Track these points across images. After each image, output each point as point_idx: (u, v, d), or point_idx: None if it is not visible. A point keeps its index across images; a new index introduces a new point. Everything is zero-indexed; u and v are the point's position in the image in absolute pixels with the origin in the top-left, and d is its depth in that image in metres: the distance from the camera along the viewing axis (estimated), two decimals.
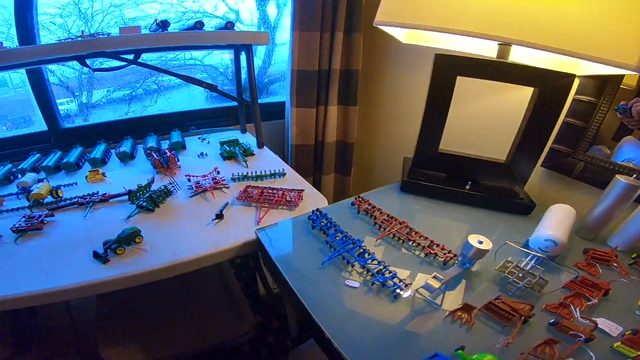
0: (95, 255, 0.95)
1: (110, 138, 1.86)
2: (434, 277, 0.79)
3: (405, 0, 1.05)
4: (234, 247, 1.01)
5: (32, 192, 1.28)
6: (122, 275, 0.90)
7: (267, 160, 1.67)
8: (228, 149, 1.65)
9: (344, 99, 2.04)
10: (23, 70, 1.74)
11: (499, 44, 1.11)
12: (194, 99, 2.33)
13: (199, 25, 1.47)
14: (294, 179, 1.45)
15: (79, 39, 1.30)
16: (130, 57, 1.44)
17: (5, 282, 0.90)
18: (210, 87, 1.67)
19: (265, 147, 1.82)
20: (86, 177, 1.48)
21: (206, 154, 1.70)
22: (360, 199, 1.16)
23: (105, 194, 1.30)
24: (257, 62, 1.88)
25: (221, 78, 2.38)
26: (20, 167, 1.57)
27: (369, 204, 1.13)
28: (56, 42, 1.31)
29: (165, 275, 0.95)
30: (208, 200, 1.26)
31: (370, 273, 0.87)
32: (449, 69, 1.12)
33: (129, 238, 0.97)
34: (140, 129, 1.99)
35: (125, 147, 1.68)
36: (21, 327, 1.49)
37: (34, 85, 1.75)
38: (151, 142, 1.74)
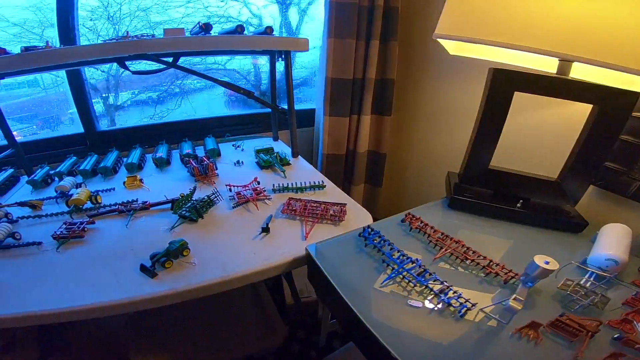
0: (143, 268, 0.92)
1: (143, 142, 1.86)
2: (515, 299, 0.76)
3: (467, 14, 1.02)
4: (284, 262, 0.98)
5: (72, 198, 1.27)
6: (173, 291, 0.87)
7: (303, 170, 1.65)
8: (265, 157, 1.62)
9: (378, 108, 2.01)
10: (59, 72, 1.75)
11: (560, 60, 1.07)
12: (214, 104, 2.33)
13: (239, 29, 1.46)
14: (333, 191, 1.42)
15: (126, 39, 1.29)
16: (169, 59, 1.44)
17: (49, 294, 0.87)
18: (248, 94, 1.65)
19: (299, 156, 1.79)
20: (124, 182, 1.47)
21: (242, 162, 1.68)
22: (412, 216, 1.13)
23: (146, 202, 1.28)
24: (279, 67, 1.86)
25: (243, 81, 2.37)
26: (57, 169, 1.57)
27: (421, 222, 1.10)
28: (105, 41, 1.30)
29: (215, 291, 0.91)
30: (251, 211, 1.23)
31: (433, 293, 0.83)
32: (506, 85, 1.08)
33: (178, 251, 0.95)
34: (175, 134, 1.98)
35: (162, 152, 1.67)
36: (48, 332, 1.48)
37: (73, 87, 1.76)
38: (187, 148, 1.73)
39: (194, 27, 1.46)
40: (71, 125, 2.00)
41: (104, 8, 1.86)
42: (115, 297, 0.85)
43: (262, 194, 1.28)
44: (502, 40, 0.96)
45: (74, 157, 1.69)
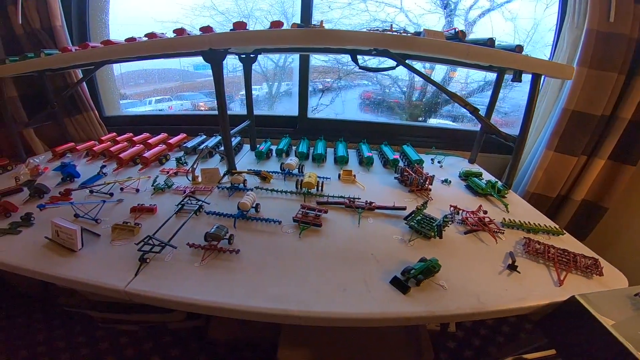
0: (395, 281, 0.85)
1: (328, 135, 1.89)
2: None
3: None
4: (537, 305, 0.85)
5: (304, 180, 1.31)
6: (429, 313, 0.79)
7: (519, 206, 1.43)
8: (481, 184, 1.47)
9: (619, 154, 1.66)
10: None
11: None
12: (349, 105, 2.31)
13: (461, 34, 1.33)
14: (568, 240, 1.19)
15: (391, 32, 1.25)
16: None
17: (298, 290, 0.82)
18: (473, 110, 1.51)
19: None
20: (339, 175, 1.50)
21: (450, 181, 1.56)
22: None
23: (371, 202, 1.26)
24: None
25: (394, 87, 2.28)
26: (279, 146, 1.69)
27: None
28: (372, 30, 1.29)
29: (464, 319, 0.83)
30: (484, 242, 1.10)
31: None
32: None
33: (432, 270, 0.87)
34: (354, 133, 1.99)
35: (365, 151, 1.68)
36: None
37: (301, 72, 1.88)
38: (367, 150, 1.71)
39: (448, 31, 1.38)
40: (242, 106, 2.27)
41: None
42: (369, 309, 0.78)
43: (492, 225, 1.15)
44: None
45: (289, 138, 1.81)
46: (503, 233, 1.15)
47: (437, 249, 1.04)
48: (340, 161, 1.62)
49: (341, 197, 1.30)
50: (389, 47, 1.18)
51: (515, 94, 2.14)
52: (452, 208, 1.26)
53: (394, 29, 1.32)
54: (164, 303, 0.81)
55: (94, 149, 1.66)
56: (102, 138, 1.81)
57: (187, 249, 0.97)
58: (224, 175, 1.41)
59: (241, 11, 2.09)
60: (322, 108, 2.26)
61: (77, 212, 1.12)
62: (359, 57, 1.35)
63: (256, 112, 1.72)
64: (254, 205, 1.17)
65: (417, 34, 1.28)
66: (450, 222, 1.14)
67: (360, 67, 1.53)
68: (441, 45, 1.21)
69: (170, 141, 1.76)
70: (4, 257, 0.93)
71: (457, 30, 1.33)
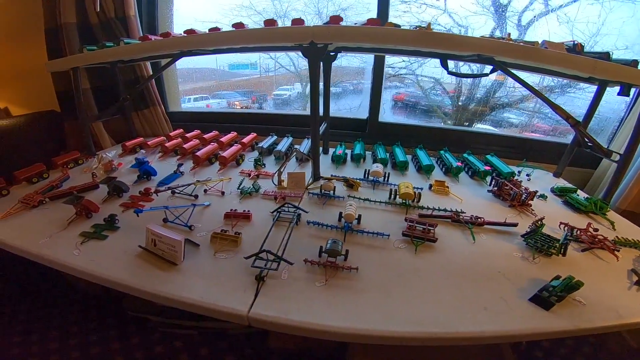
0: (537, 298, 0.80)
1: (403, 141, 1.76)
2: None
3: None
4: None
5: (402, 191, 1.19)
6: (575, 327, 0.75)
7: (621, 223, 1.28)
8: (581, 200, 1.33)
9: None
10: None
11: None
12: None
13: (579, 47, 1.20)
14: None
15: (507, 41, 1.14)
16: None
17: (425, 309, 0.76)
18: (575, 124, 1.36)
19: None
20: (430, 185, 1.37)
21: (546, 196, 1.41)
22: None
23: (478, 217, 1.13)
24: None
25: (435, 90, 2.15)
26: (355, 151, 1.57)
27: None
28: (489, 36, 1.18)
29: (606, 331, 0.78)
30: (602, 259, 1.01)
31: None
32: None
33: (575, 287, 0.80)
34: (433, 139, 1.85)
35: (450, 161, 1.54)
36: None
37: (374, 73, 1.76)
38: (474, 161, 1.57)
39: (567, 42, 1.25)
40: (275, 106, 2.37)
41: None
42: (515, 325, 0.74)
43: (607, 242, 1.05)
44: None
45: (362, 142, 1.69)
46: (619, 251, 1.04)
47: (561, 266, 0.97)
48: (427, 170, 1.49)
49: (444, 210, 1.19)
50: (510, 57, 1.13)
51: (565, 99, 1.99)
52: (562, 225, 1.16)
53: (510, 38, 1.21)
54: (294, 330, 0.71)
55: (166, 145, 1.58)
56: (170, 134, 1.73)
57: (299, 264, 0.86)
58: (315, 180, 1.30)
59: (277, 11, 2.05)
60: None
61: (166, 217, 1.03)
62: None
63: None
64: (356, 217, 1.06)
65: (530, 43, 1.20)
66: (572, 241, 1.07)
67: (449, 73, 1.42)
68: (567, 59, 1.13)
69: (243, 140, 1.66)
70: (95, 267, 0.84)
71: (575, 42, 1.25)
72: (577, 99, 1.94)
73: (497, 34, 1.86)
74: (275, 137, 1.77)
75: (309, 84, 2.33)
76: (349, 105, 2.24)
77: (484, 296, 0.81)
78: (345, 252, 0.88)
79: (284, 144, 1.64)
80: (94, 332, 1.63)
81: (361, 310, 0.75)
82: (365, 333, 0.70)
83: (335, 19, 1.12)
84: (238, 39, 1.17)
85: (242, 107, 2.51)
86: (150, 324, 1.61)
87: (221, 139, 1.64)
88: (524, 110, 2.13)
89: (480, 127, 2.14)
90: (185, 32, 1.29)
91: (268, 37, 1.13)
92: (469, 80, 2.01)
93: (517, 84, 1.27)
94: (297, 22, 1.14)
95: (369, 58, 2.04)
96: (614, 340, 1.54)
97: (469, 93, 2.13)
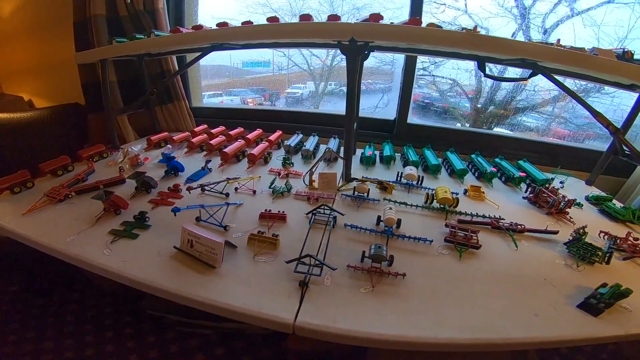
0: (585, 305, 0.80)
1: (434, 144, 1.71)
2: None
3: None
4: None
5: (440, 196, 1.15)
6: (625, 332, 0.74)
7: None
8: (618, 209, 1.29)
9: None
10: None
11: None
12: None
13: (629, 55, 1.16)
14: None
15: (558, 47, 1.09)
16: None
17: (486, 319, 0.74)
18: (615, 131, 1.30)
19: None
20: (465, 190, 1.33)
21: (582, 204, 1.36)
22: None
23: (519, 224, 1.09)
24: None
25: (452, 91, 2.11)
26: (385, 153, 1.53)
27: None
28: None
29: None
30: None
31: None
32: None
33: (624, 295, 0.80)
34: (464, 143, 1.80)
35: (487, 166, 1.49)
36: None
37: (405, 73, 1.72)
38: (508, 166, 1.52)
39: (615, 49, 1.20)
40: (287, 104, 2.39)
41: None
42: (567, 331, 0.74)
43: None
44: None
45: (391, 143, 1.64)
46: None
47: (605, 274, 0.95)
48: (460, 174, 1.44)
49: (482, 216, 1.15)
50: (560, 63, 1.10)
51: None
52: (602, 234, 1.14)
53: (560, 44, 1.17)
54: (343, 339, 0.67)
55: (192, 140, 1.54)
56: (195, 130, 1.70)
57: (340, 269, 0.82)
58: (347, 181, 1.26)
59: (292, 9, 2.02)
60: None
61: (200, 216, 0.99)
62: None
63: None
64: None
65: (578, 49, 1.16)
66: (615, 249, 1.05)
67: (486, 76, 1.38)
68: (620, 68, 1.09)
69: (270, 138, 1.62)
70: (128, 269, 0.80)
71: (625, 49, 1.21)
72: (598, 103, 1.88)
73: (521, 35, 1.82)
74: (301, 136, 1.73)
75: (321, 82, 2.36)
76: (364, 105, 2.21)
77: (533, 302, 0.80)
78: (390, 258, 0.84)
79: (311, 143, 1.60)
80: (109, 328, 1.60)
81: (411, 317, 0.72)
82: (417, 340, 0.68)
83: (375, 17, 1.08)
84: (275, 33, 1.14)
85: (256, 104, 2.49)
86: (166, 322, 1.58)
87: (247, 136, 1.60)
88: (543, 114, 2.08)
89: (498, 130, 2.09)
90: (217, 25, 1.26)
91: (307, 32, 1.09)
92: (495, 82, 1.96)
93: (543, 87, 1.22)
94: (333, 18, 1.10)
95: (384, 57, 2.00)
96: (632, 348, 1.49)
97: (489, 96, 2.07)
